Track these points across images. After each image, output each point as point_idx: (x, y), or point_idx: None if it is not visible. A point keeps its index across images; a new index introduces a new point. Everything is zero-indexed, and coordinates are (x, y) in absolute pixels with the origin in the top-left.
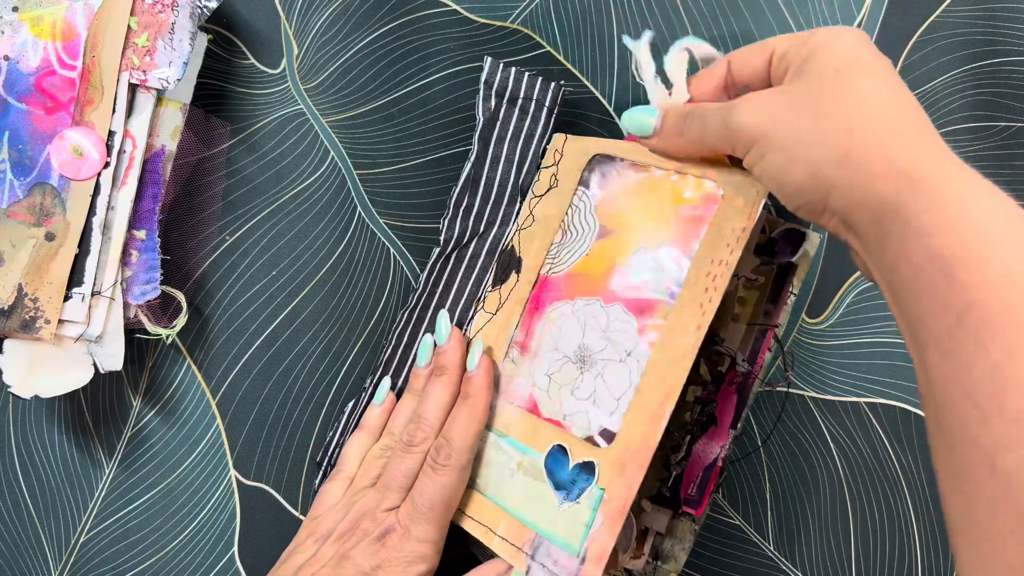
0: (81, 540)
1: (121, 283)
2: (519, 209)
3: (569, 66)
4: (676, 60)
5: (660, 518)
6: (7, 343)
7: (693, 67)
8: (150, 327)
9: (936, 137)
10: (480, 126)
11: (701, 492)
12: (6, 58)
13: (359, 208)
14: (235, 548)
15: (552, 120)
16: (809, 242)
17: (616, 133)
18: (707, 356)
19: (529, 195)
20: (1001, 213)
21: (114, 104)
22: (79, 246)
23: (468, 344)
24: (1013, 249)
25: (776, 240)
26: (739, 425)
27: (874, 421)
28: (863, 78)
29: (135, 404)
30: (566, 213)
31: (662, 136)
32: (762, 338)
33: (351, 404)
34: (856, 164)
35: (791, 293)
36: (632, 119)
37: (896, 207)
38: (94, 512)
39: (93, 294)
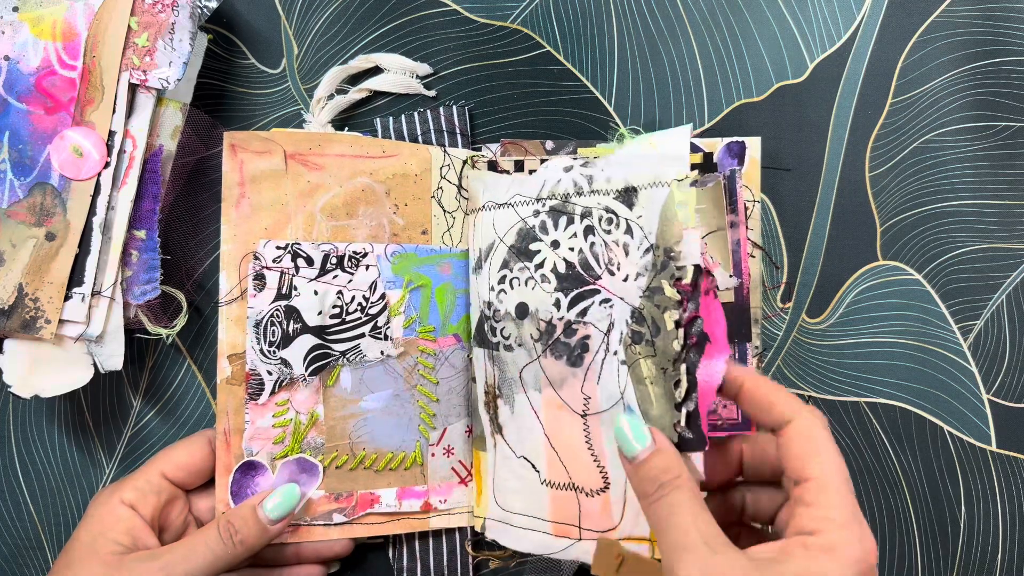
0: None
1: (121, 283)
2: None
3: (569, 66)
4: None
5: (690, 465)
6: (7, 343)
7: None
8: (150, 327)
9: None
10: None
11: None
12: (6, 58)
13: None
14: None
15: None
16: (752, 148)
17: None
18: (667, 277)
19: None
20: None
21: (114, 104)
22: (79, 246)
23: None
24: None
25: (714, 157)
26: (752, 339)
27: (874, 421)
28: None
29: (135, 404)
30: None
31: (633, 470)
32: (739, 248)
33: None
34: None
35: (754, 200)
36: (622, 430)
37: None
38: None
39: (93, 294)
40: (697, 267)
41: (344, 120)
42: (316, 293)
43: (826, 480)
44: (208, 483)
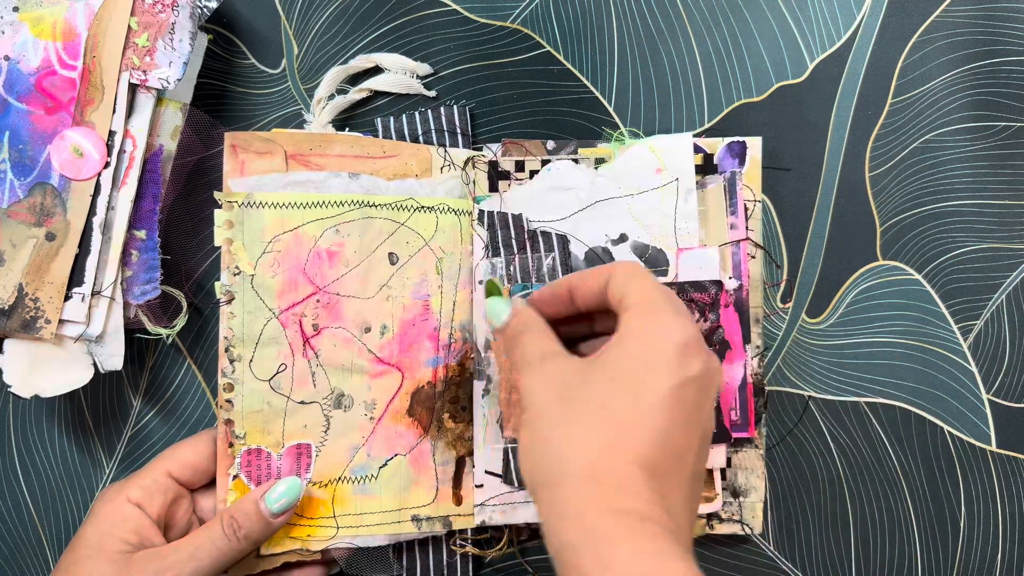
0: None
1: (121, 283)
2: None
3: (569, 66)
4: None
5: (716, 455)
6: (7, 343)
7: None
8: (150, 327)
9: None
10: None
11: (744, 414)
12: (6, 58)
13: None
14: None
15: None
16: (753, 148)
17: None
18: (683, 294)
19: None
20: None
21: (114, 104)
22: (79, 246)
23: None
24: None
25: (715, 157)
26: (752, 339)
27: (874, 421)
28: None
29: (135, 404)
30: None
31: (502, 336)
32: (739, 250)
33: None
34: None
35: (755, 200)
36: (491, 307)
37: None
38: None
39: (93, 294)
40: (717, 283)
41: (344, 120)
42: None
43: (641, 294)
44: (212, 483)
